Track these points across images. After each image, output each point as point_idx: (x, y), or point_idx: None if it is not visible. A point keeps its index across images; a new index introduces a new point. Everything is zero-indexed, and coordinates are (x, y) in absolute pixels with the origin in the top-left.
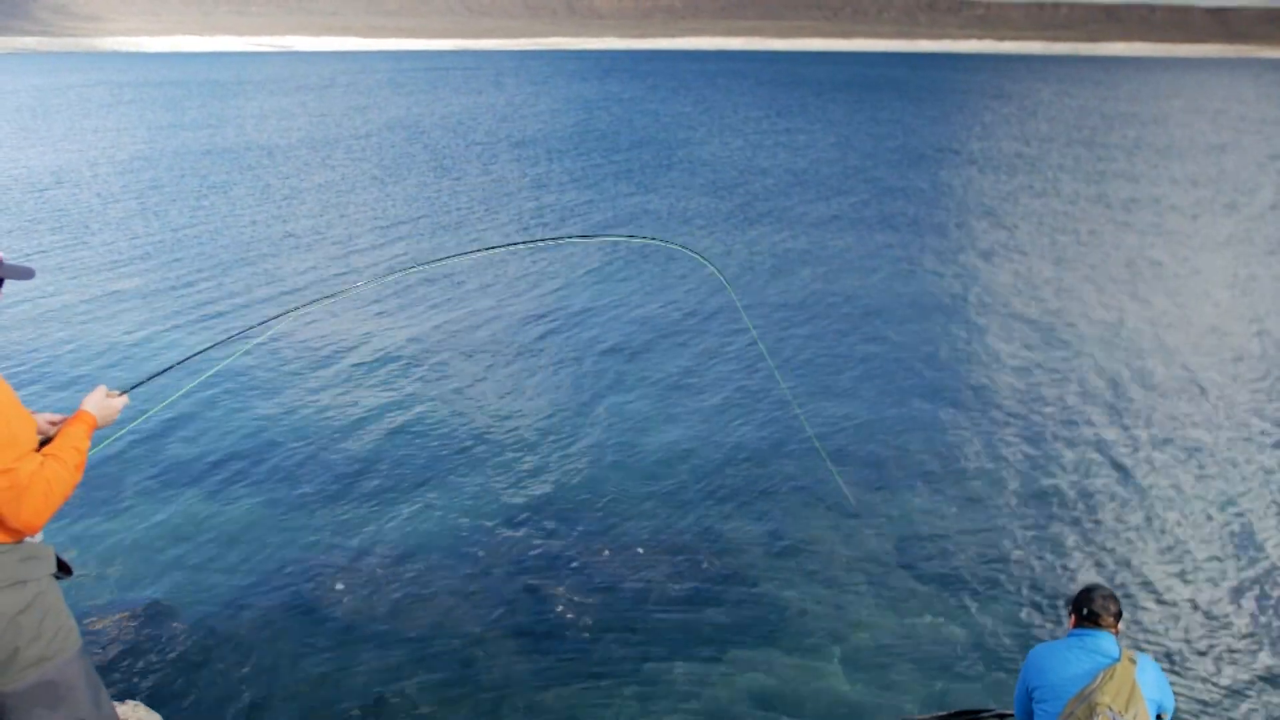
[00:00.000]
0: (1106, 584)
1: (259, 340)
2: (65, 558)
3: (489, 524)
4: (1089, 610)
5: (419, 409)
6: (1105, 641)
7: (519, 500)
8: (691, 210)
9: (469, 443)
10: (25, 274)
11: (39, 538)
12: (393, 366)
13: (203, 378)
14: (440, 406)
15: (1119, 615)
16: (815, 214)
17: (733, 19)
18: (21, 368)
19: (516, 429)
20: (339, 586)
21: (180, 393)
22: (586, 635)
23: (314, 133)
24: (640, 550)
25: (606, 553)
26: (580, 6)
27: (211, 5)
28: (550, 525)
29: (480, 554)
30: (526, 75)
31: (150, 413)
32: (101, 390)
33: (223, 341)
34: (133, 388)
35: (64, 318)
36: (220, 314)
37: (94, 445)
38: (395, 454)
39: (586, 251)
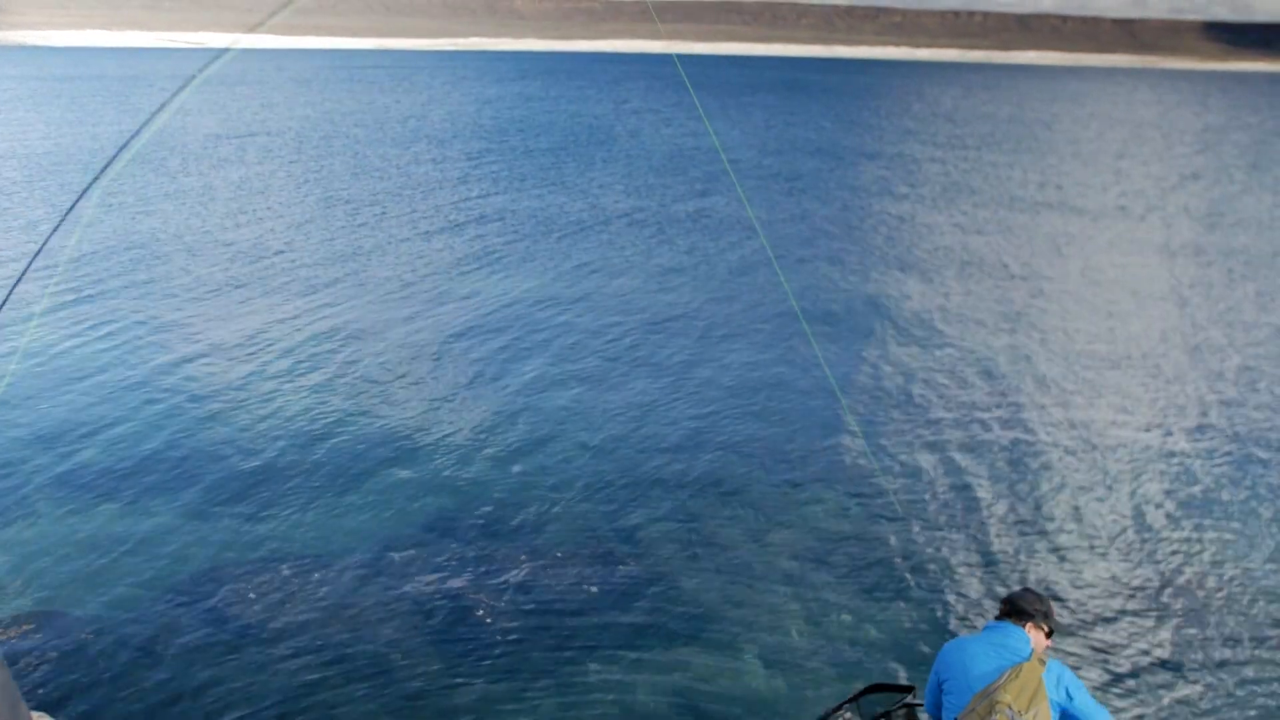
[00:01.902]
0: (1037, 588)
1: (166, 332)
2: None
3: (405, 528)
4: (1012, 605)
5: (336, 407)
6: (1015, 639)
7: (436, 504)
8: (608, 209)
9: (384, 445)
10: None
11: None
12: (310, 361)
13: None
14: (356, 406)
15: (1044, 615)
16: (720, 212)
17: (652, 22)
18: None
19: (431, 432)
20: (251, 594)
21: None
22: (504, 638)
23: (220, 130)
24: (559, 553)
25: (523, 555)
26: (500, 7)
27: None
28: (468, 528)
29: (395, 558)
30: (444, 75)
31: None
32: None
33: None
34: None
35: None
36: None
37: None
38: (310, 455)
39: (492, 247)
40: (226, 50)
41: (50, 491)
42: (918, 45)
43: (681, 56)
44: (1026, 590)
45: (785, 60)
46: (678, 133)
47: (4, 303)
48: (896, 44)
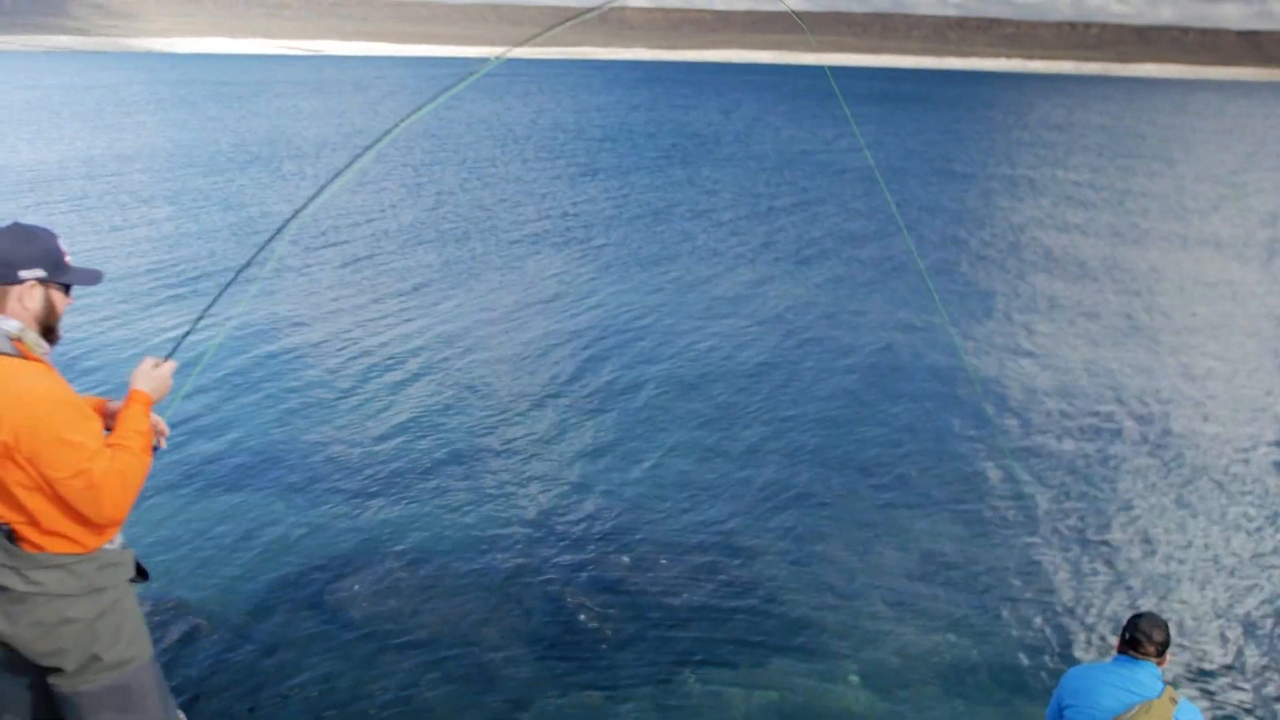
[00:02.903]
0: (1157, 613)
1: (270, 324)
2: (143, 563)
3: (507, 529)
4: (1130, 636)
5: (442, 403)
6: (1145, 673)
7: (541, 504)
8: (722, 206)
9: (490, 445)
10: (93, 278)
11: (118, 542)
12: (419, 355)
13: (199, 370)
14: (467, 405)
15: (1163, 646)
16: (831, 224)
17: (760, 33)
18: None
19: (542, 431)
20: (355, 588)
21: (183, 389)
22: (603, 644)
23: (330, 136)
24: (661, 559)
25: (626, 559)
26: (611, 16)
27: (244, 8)
28: (571, 530)
29: (498, 558)
30: (555, 83)
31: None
32: (148, 362)
33: (230, 284)
34: (173, 351)
35: (88, 308)
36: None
37: (163, 415)
38: (418, 450)
39: (600, 256)
40: (487, 60)
41: (152, 477)
42: (1031, 57)
43: (789, 67)
44: (1153, 619)
45: (894, 71)
46: (822, 144)
47: (214, 302)
48: (1009, 55)
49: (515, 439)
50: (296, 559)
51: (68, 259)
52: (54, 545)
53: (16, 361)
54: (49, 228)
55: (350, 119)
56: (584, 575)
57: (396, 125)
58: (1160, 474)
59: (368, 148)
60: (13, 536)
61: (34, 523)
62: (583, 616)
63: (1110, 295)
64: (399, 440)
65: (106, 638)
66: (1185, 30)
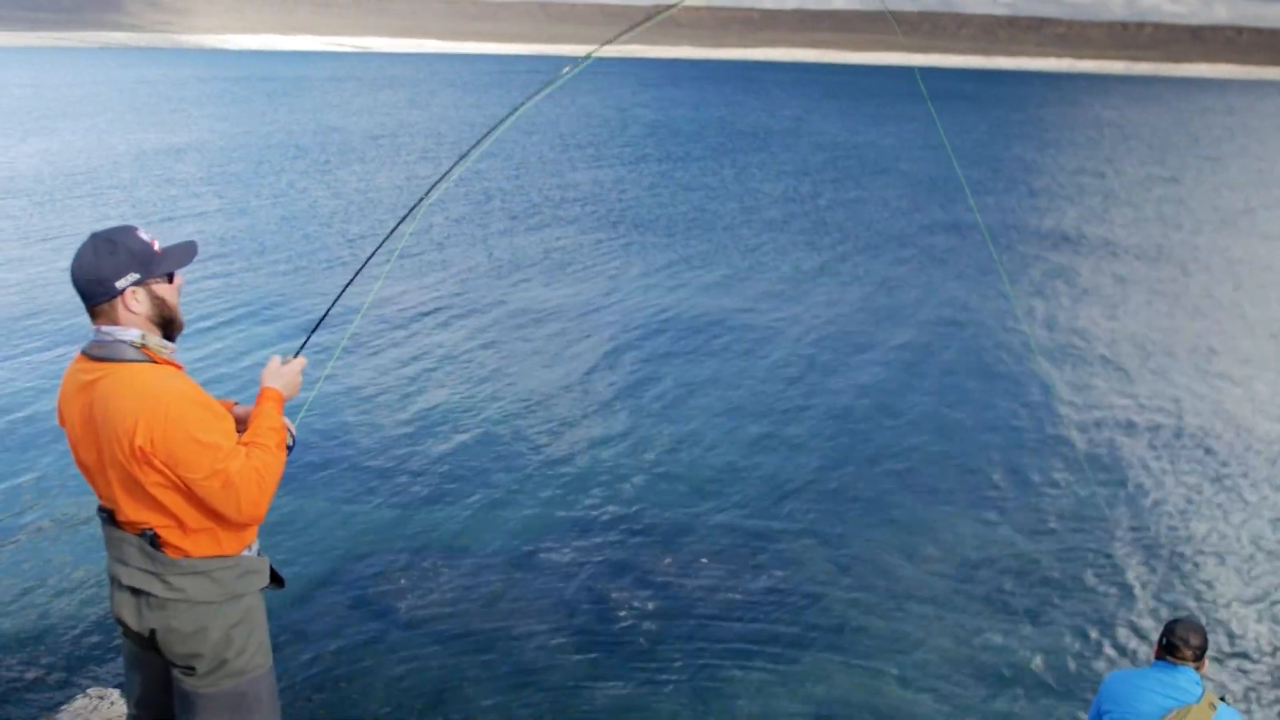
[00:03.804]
0: (1196, 618)
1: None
2: (278, 569)
3: (552, 526)
4: (1168, 641)
5: (490, 402)
6: (1183, 678)
7: (585, 502)
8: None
9: (544, 449)
10: (188, 254)
11: (254, 549)
12: (469, 353)
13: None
14: (511, 402)
15: (1200, 650)
16: (883, 224)
17: (807, 31)
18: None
19: (583, 430)
20: (402, 582)
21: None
22: (646, 640)
23: (375, 130)
24: (703, 558)
25: (669, 559)
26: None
27: (294, 4)
28: (614, 528)
29: (542, 555)
30: (600, 80)
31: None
32: (275, 361)
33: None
34: (300, 349)
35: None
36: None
37: (292, 415)
38: (460, 448)
39: (646, 253)
40: (578, 61)
41: None
42: (1082, 57)
43: (835, 66)
44: (1190, 624)
45: (943, 71)
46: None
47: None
48: (1060, 55)
49: (568, 441)
50: (339, 554)
51: (156, 247)
52: (197, 548)
53: (146, 366)
54: (125, 224)
55: (405, 114)
56: (626, 571)
57: (501, 122)
58: (1219, 479)
59: (478, 143)
60: (156, 542)
61: (178, 525)
62: (624, 612)
63: (1180, 287)
64: (445, 440)
65: (238, 644)
66: (1239, 30)
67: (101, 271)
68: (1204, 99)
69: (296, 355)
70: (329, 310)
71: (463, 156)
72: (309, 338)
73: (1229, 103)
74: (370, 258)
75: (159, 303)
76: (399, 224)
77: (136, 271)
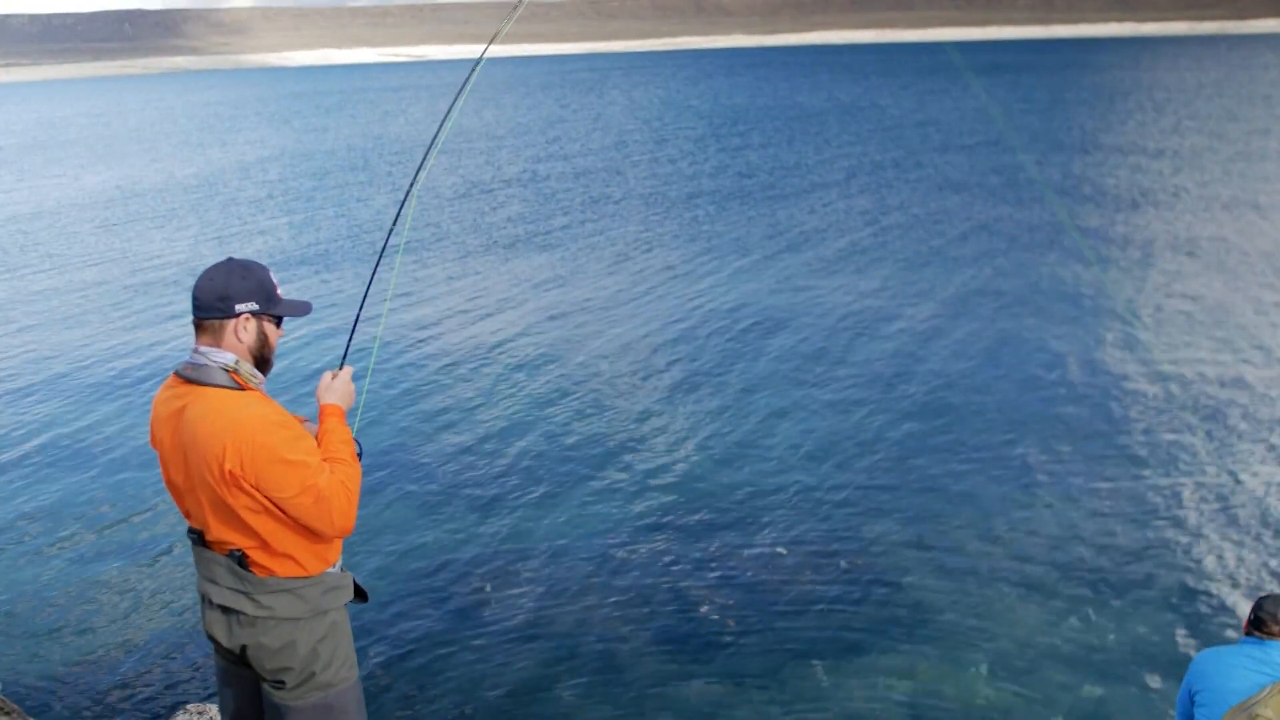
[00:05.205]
0: None
1: (392, 329)
2: (362, 583)
3: (630, 523)
4: (1255, 616)
5: (560, 402)
6: (1276, 653)
7: (660, 499)
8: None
9: (610, 441)
10: (303, 309)
11: (338, 566)
12: (533, 356)
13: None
14: (582, 401)
15: None
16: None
17: (862, 11)
18: None
19: (656, 427)
20: (479, 585)
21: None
22: (727, 636)
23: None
24: (781, 551)
25: (747, 553)
26: (708, 5)
27: (349, 17)
28: (691, 524)
29: (620, 553)
30: (651, 74)
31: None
32: (327, 376)
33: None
34: (343, 359)
35: None
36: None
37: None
38: (521, 447)
39: (721, 243)
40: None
41: None
42: (1143, 20)
43: (897, 45)
44: (1273, 595)
45: (1000, 44)
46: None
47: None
48: (1120, 19)
49: (635, 433)
50: (421, 558)
51: (279, 291)
52: (282, 568)
53: (233, 393)
54: (261, 261)
55: (462, 120)
56: (704, 568)
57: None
58: None
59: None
60: (244, 562)
61: (264, 546)
62: (706, 608)
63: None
64: (517, 441)
65: (324, 658)
66: None
67: (230, 289)
68: (1273, 55)
69: (341, 367)
70: (357, 316)
71: (431, 143)
72: (348, 346)
73: None
74: (378, 259)
75: (263, 339)
76: (396, 225)
77: (257, 302)
